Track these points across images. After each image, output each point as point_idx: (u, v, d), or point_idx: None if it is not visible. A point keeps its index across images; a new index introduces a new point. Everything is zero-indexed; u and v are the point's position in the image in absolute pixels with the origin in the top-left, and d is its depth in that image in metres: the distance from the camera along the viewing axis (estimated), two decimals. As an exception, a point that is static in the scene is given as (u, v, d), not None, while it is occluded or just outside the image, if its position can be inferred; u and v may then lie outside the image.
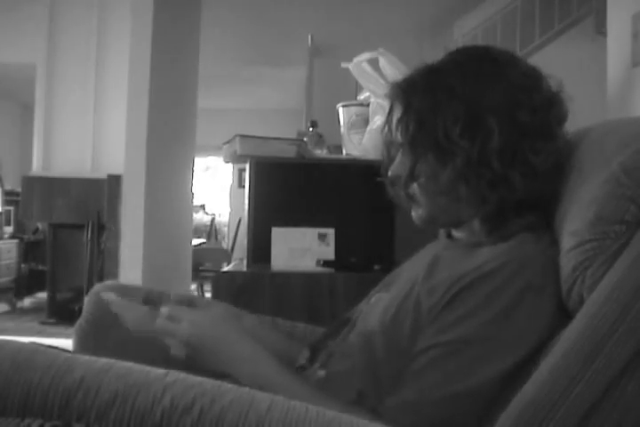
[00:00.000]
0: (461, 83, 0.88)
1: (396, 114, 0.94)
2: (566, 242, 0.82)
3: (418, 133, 0.89)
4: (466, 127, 0.86)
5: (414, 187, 0.94)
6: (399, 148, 0.95)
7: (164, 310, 0.90)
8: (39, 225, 5.63)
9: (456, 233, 0.99)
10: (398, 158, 0.96)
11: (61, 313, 4.49)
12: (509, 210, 0.89)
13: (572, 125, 0.94)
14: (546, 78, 0.91)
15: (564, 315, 0.79)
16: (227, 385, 0.69)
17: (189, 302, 1.06)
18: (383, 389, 0.84)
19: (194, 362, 0.88)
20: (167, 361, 0.87)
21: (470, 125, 0.86)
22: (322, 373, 0.95)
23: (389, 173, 0.97)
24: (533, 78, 0.90)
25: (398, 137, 0.94)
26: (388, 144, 1.00)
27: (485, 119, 0.86)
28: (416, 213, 0.97)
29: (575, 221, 0.82)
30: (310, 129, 2.13)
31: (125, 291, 1.26)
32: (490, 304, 0.79)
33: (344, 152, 2.03)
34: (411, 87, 0.92)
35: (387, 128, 0.98)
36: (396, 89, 0.95)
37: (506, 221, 0.89)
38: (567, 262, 0.80)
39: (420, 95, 0.90)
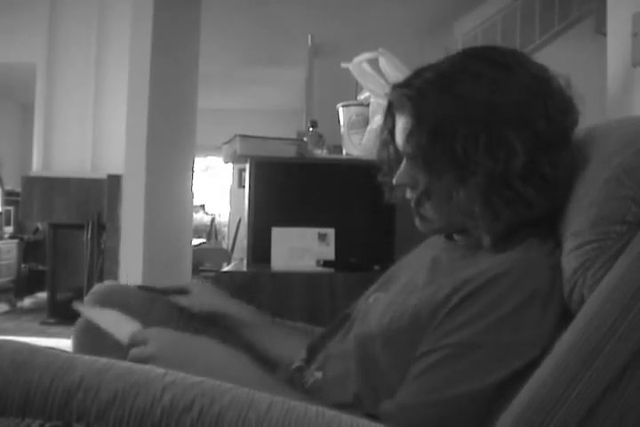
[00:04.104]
0: (476, 93, 0.82)
1: (402, 123, 0.89)
2: (568, 243, 0.82)
3: (433, 150, 0.84)
4: (487, 144, 0.81)
5: (427, 204, 0.90)
6: (403, 156, 0.91)
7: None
8: (39, 225, 5.63)
9: (457, 236, 0.97)
10: (403, 167, 0.91)
11: (61, 313, 4.49)
12: (519, 223, 0.86)
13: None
14: (556, 79, 0.86)
15: (568, 318, 0.78)
16: (226, 385, 0.69)
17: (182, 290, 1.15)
18: (379, 392, 0.83)
19: None
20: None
21: (491, 142, 0.81)
22: (319, 375, 0.94)
23: (394, 182, 0.93)
24: (546, 82, 0.85)
25: (407, 149, 0.88)
26: (387, 148, 0.96)
27: (506, 134, 0.81)
28: (421, 225, 0.94)
29: (576, 222, 0.81)
30: (310, 129, 2.13)
31: (123, 292, 1.27)
32: (495, 309, 0.78)
33: (344, 152, 2.03)
34: (420, 96, 0.86)
35: (386, 134, 0.95)
36: (400, 95, 0.89)
37: (514, 231, 0.87)
38: (569, 263, 0.80)
39: (433, 107, 0.84)
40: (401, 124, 0.90)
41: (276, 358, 1.11)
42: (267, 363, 1.06)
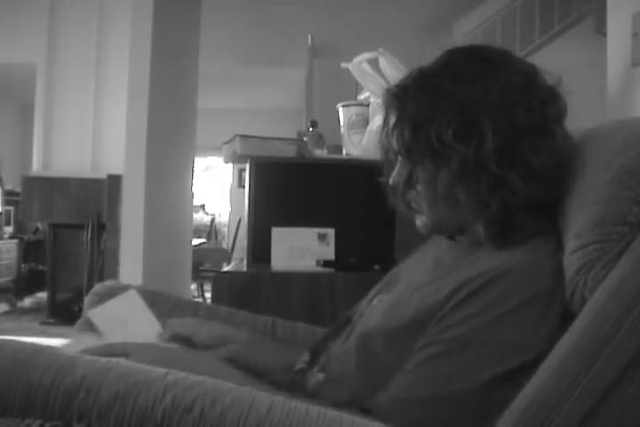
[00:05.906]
0: (454, 86, 0.86)
1: (391, 121, 0.93)
2: (570, 244, 0.82)
3: (413, 140, 0.88)
4: (459, 130, 0.84)
5: (413, 194, 0.92)
6: (397, 155, 0.94)
7: None
8: (39, 225, 5.63)
9: (460, 238, 0.97)
10: (397, 166, 0.94)
11: (61, 313, 4.49)
12: (514, 214, 0.86)
13: (572, 125, 0.93)
14: (542, 75, 0.89)
15: (569, 319, 0.78)
16: (228, 385, 0.69)
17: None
18: (379, 391, 0.83)
19: None
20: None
21: (463, 128, 0.84)
22: (321, 376, 0.95)
23: (390, 182, 0.95)
24: (529, 76, 0.88)
25: (394, 145, 0.92)
26: (387, 151, 0.98)
27: (479, 121, 0.84)
28: (419, 222, 0.95)
29: (578, 223, 0.81)
30: (310, 129, 2.13)
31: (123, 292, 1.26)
32: (494, 308, 0.78)
33: (344, 152, 2.03)
34: (403, 93, 0.90)
35: (384, 135, 0.96)
36: (389, 95, 0.93)
37: (512, 226, 0.86)
38: (571, 265, 0.80)
39: (412, 101, 0.88)
40: (390, 122, 0.93)
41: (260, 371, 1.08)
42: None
